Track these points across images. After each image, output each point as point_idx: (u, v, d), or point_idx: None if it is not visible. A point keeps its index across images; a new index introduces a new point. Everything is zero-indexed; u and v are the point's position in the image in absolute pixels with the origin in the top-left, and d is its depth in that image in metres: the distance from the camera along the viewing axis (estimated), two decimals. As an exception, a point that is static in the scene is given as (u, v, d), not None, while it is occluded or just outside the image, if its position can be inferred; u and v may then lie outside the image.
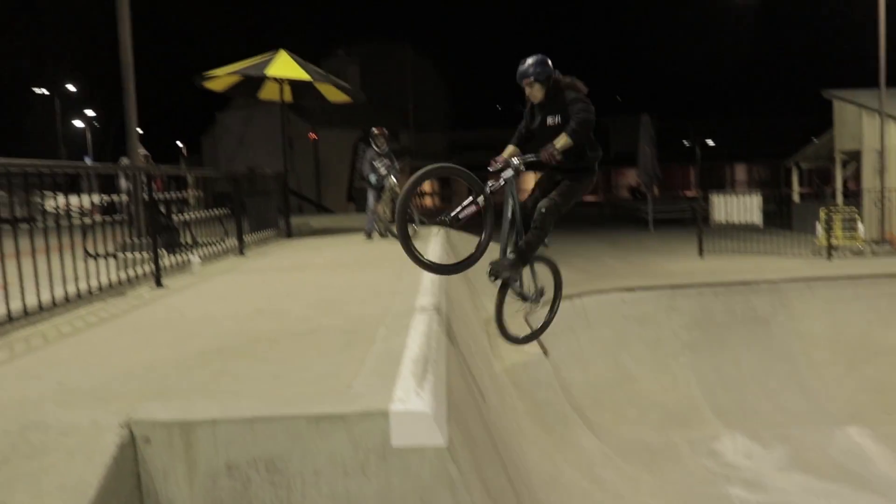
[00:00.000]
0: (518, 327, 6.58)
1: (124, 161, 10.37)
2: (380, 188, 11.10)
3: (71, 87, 45.16)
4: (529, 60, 5.47)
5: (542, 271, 6.02)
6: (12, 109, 46.93)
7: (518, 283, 5.79)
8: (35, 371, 3.89)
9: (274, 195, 12.38)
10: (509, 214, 5.58)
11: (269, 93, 13.29)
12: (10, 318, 4.88)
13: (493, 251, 5.54)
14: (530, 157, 5.51)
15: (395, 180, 10.95)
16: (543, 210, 5.53)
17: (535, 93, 5.53)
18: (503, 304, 5.80)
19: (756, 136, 57.25)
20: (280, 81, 12.42)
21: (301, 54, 12.55)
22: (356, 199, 26.44)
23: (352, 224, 16.74)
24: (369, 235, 11.34)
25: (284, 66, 11.70)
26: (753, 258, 15.58)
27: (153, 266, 6.93)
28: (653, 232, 23.69)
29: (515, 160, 5.48)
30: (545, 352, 9.38)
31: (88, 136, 53.10)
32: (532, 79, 5.45)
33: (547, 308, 6.32)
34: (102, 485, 2.67)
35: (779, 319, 11.93)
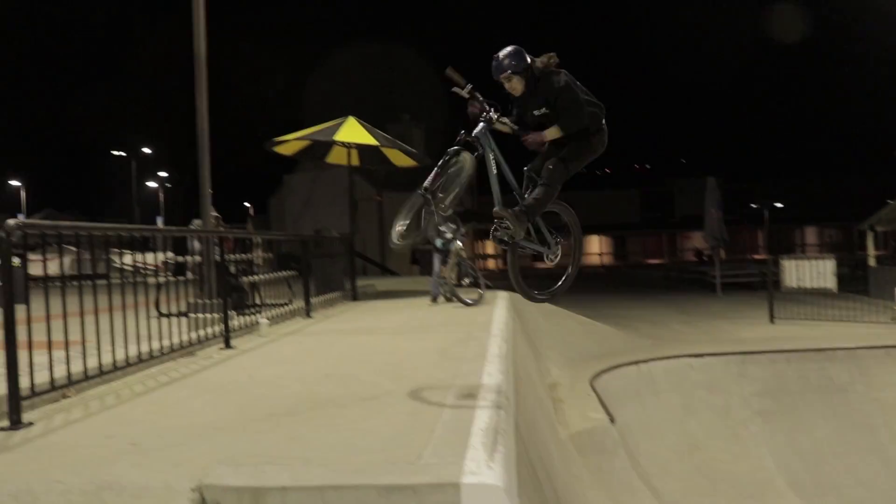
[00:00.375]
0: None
1: (196, 223, 10.64)
2: (446, 252, 11.12)
3: (146, 150, 46.87)
4: (504, 52, 5.08)
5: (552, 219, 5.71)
6: (93, 171, 48.84)
7: (528, 240, 5.47)
8: (109, 430, 3.94)
9: (340, 257, 12.53)
10: (494, 169, 5.16)
11: (336, 157, 13.57)
12: (86, 377, 4.97)
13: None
14: (513, 128, 5.20)
15: (460, 244, 10.97)
16: (551, 166, 5.16)
17: (515, 86, 5.12)
18: (516, 262, 5.44)
19: (827, 198, 56.12)
20: (348, 146, 12.68)
21: (368, 119, 12.82)
22: (420, 262, 26.59)
23: (416, 287, 16.80)
24: (435, 299, 11.33)
25: (353, 132, 11.95)
26: (827, 325, 15.11)
27: (223, 327, 7.03)
28: (720, 296, 23.21)
29: (493, 112, 5.07)
30: (611, 418, 9.18)
31: (161, 196, 54.84)
32: (510, 72, 5.04)
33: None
34: (173, 550, 2.66)
35: (857, 389, 11.48)
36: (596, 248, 57.67)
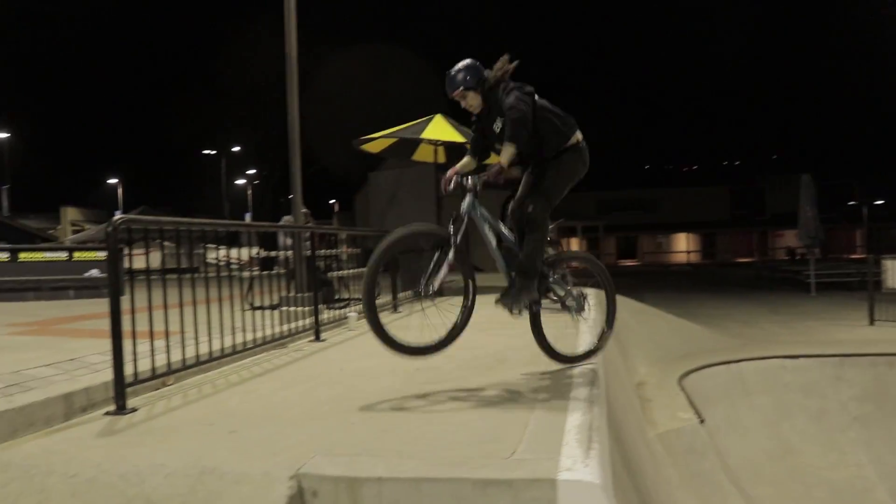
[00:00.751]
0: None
1: (286, 219, 10.86)
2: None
3: (235, 148, 48.08)
4: (456, 67, 4.83)
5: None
6: (186, 168, 50.44)
7: (542, 300, 5.14)
8: (208, 418, 4.07)
9: (426, 253, 12.57)
10: (492, 239, 5.01)
11: (422, 154, 13.64)
12: (184, 366, 5.14)
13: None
14: (484, 178, 4.79)
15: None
16: (530, 208, 4.90)
17: (471, 102, 4.86)
18: (540, 327, 5.17)
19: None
20: (435, 144, 12.74)
21: (454, 116, 12.85)
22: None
23: (502, 283, 16.80)
24: None
25: (440, 129, 12.00)
26: (934, 328, 14.44)
27: (313, 320, 7.17)
28: (815, 296, 22.42)
29: (470, 181, 4.82)
30: (701, 419, 8.99)
31: (249, 192, 56.22)
32: (462, 88, 4.78)
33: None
34: (273, 536, 2.73)
35: (966, 395, 10.93)
36: (683, 245, 56.49)
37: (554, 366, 5.28)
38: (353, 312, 8.30)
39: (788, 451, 10.37)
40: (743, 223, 55.59)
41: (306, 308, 7.55)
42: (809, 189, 23.81)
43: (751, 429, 10.44)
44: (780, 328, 15.51)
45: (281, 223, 10.45)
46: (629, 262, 55.08)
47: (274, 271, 9.97)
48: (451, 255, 4.69)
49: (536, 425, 3.52)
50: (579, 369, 5.01)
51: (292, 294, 8.00)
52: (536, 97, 4.91)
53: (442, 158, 13.49)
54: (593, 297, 5.55)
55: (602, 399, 4.27)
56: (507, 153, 4.62)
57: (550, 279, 5.18)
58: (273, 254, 10.46)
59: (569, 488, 2.72)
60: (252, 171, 52.74)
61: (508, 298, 4.96)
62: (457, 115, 13.16)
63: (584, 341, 5.24)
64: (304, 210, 10.45)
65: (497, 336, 7.19)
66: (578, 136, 5.04)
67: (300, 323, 7.25)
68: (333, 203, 64.85)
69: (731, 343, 13.19)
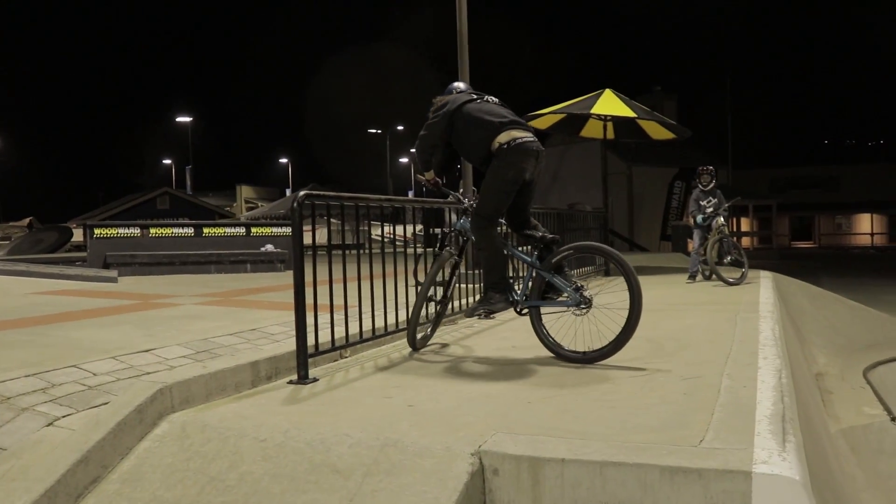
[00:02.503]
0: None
1: (455, 196, 10.94)
2: (707, 228, 10.65)
3: (400, 127, 49.14)
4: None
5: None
6: (350, 148, 52.07)
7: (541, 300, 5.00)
8: (385, 391, 4.15)
9: (593, 232, 12.39)
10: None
11: (590, 130, 13.39)
12: (361, 338, 5.28)
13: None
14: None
15: (722, 220, 10.45)
16: (469, 224, 5.36)
17: None
18: (541, 326, 4.99)
19: None
20: (604, 119, 12.47)
21: (620, 91, 12.53)
22: (672, 238, 25.75)
23: (669, 264, 16.29)
24: (693, 277, 10.89)
25: (610, 104, 11.74)
26: None
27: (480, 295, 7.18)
28: None
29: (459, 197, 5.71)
30: (892, 416, 8.35)
31: (411, 171, 57.36)
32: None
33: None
34: (455, 510, 2.73)
35: None
36: (866, 227, 52.76)
37: (735, 348, 5.04)
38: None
39: None
40: (939, 202, 51.18)
41: (476, 285, 7.57)
42: None
43: (947, 428, 9.62)
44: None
45: (449, 200, 10.54)
46: (804, 244, 52.08)
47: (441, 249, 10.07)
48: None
49: (724, 413, 3.35)
50: (763, 355, 4.73)
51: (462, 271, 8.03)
52: (469, 105, 5.17)
53: (611, 134, 13.20)
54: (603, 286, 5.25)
55: (791, 389, 4.01)
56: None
57: (547, 279, 5.00)
58: (437, 231, 10.57)
59: (766, 482, 2.54)
60: (413, 150, 53.87)
61: (468, 308, 5.36)
62: (625, 91, 12.83)
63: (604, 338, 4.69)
64: (472, 188, 10.50)
65: (674, 319, 6.96)
66: (502, 138, 4.94)
67: (470, 300, 7.28)
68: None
69: (924, 333, 12.19)
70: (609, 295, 4.82)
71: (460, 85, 5.70)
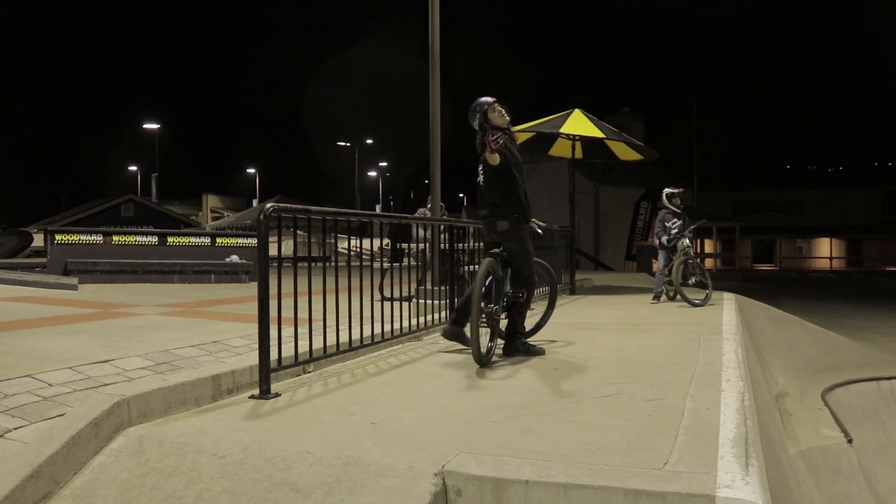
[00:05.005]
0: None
1: (421, 211, 10.94)
2: (671, 249, 10.73)
3: (369, 141, 49.10)
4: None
5: None
6: (319, 159, 51.97)
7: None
8: (348, 408, 4.10)
9: (559, 251, 12.43)
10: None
11: (559, 150, 13.48)
12: (324, 353, 5.22)
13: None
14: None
15: (687, 242, 10.54)
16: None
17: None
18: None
19: None
20: (572, 139, 12.55)
21: (588, 111, 12.63)
22: (637, 258, 25.95)
23: (633, 283, 16.40)
24: (657, 298, 10.96)
25: (578, 124, 11.82)
26: None
27: (447, 313, 7.16)
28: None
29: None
30: (848, 438, 8.45)
31: (380, 184, 57.34)
32: None
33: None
34: (417, 532, 2.69)
35: None
36: (826, 251, 53.64)
37: (699, 370, 5.07)
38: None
39: (946, 480, 9.63)
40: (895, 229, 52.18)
41: (440, 301, 7.56)
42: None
43: (903, 452, 9.75)
44: (938, 343, 14.45)
45: (417, 215, 10.53)
46: (766, 267, 52.79)
47: (406, 264, 10.05)
48: None
49: (688, 435, 3.35)
50: (726, 377, 4.76)
51: (427, 287, 8.02)
52: None
53: (579, 154, 13.29)
54: None
55: (754, 411, 4.03)
56: None
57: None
58: (404, 246, 10.55)
59: (728, 507, 2.55)
60: (383, 164, 53.73)
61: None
62: (593, 112, 12.94)
63: None
64: (440, 203, 10.49)
65: (639, 339, 6.98)
66: None
67: (435, 316, 7.26)
68: (463, 196, 65.25)
69: (883, 358, 12.37)
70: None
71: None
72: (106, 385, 4.42)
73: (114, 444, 3.46)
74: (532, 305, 6.20)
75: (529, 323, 6.33)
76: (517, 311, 5.88)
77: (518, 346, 5.87)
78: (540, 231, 6.18)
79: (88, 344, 5.83)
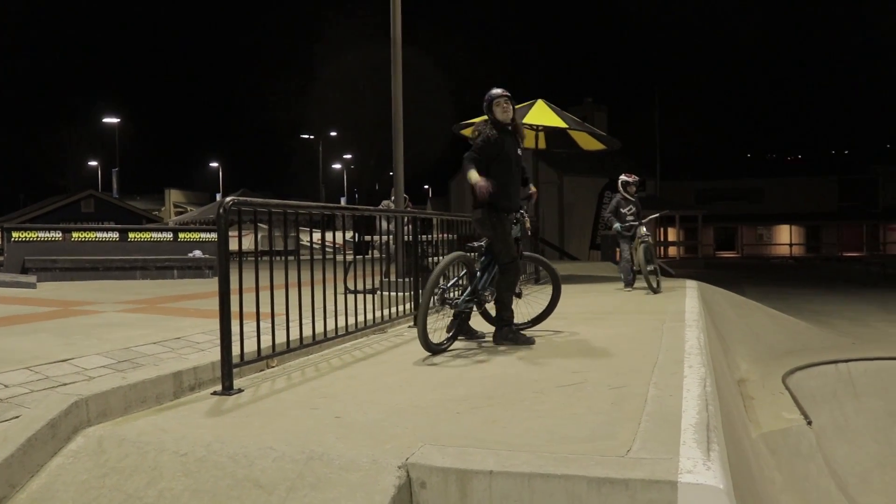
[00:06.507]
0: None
1: (385, 203, 10.90)
2: (631, 238, 10.81)
3: (332, 133, 48.76)
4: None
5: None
6: (283, 153, 51.56)
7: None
8: (312, 402, 4.07)
9: (524, 241, 12.43)
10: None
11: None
12: (288, 348, 5.18)
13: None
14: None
15: (644, 229, 10.64)
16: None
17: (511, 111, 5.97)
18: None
19: None
20: (536, 129, 12.57)
21: (551, 101, 12.66)
22: (602, 248, 26.12)
23: (598, 272, 16.50)
24: (630, 285, 11.04)
25: (541, 115, 11.85)
26: None
27: (412, 305, 7.15)
28: (932, 294, 21.27)
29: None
30: (808, 420, 8.59)
31: (345, 176, 57.01)
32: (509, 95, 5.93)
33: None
34: (381, 525, 2.68)
35: None
36: (785, 238, 54.50)
37: (661, 357, 5.11)
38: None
39: (902, 459, 9.83)
40: (852, 216, 53.08)
41: (405, 293, 7.54)
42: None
43: (860, 433, 9.93)
44: (893, 328, 14.76)
45: (381, 207, 10.49)
46: (728, 254, 53.49)
47: (370, 256, 10.03)
48: None
49: (650, 422, 3.37)
50: (688, 364, 4.80)
51: (392, 279, 8.00)
52: None
53: (543, 144, 13.32)
54: None
55: (715, 396, 4.08)
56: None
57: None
58: (369, 238, 10.52)
59: (691, 492, 2.57)
60: (348, 156, 53.45)
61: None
62: (557, 102, 12.97)
63: None
64: (403, 195, 10.46)
65: (604, 328, 7.02)
66: None
67: (399, 308, 7.24)
68: (427, 188, 65.17)
69: (840, 341, 12.61)
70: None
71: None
72: (65, 385, 4.35)
73: (72, 444, 3.40)
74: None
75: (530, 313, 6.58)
76: (500, 300, 5.92)
77: (505, 333, 5.91)
78: (528, 226, 6.29)
79: (47, 343, 5.73)
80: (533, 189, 6.64)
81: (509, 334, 5.91)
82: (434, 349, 5.46)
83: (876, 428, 10.06)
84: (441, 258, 6.24)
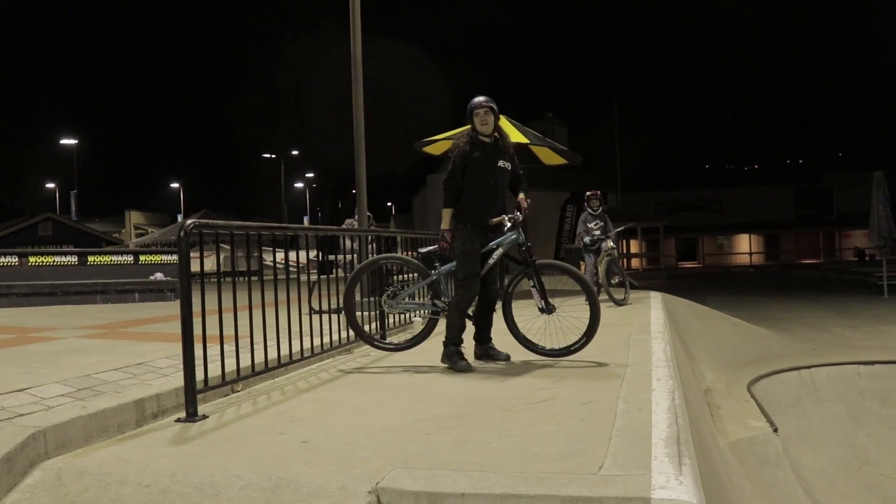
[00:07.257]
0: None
1: (349, 222, 10.85)
2: (597, 251, 10.91)
3: (294, 152, 48.61)
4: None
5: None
6: (245, 172, 51.25)
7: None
8: (279, 427, 4.00)
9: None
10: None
11: (484, 155, 13.50)
12: (253, 371, 5.10)
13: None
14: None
15: (612, 243, 10.72)
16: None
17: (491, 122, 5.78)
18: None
19: None
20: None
21: (512, 117, 12.70)
22: (565, 261, 26.25)
23: (562, 286, 16.55)
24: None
25: (503, 130, 11.87)
26: None
27: (378, 324, 7.09)
28: (888, 299, 21.65)
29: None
30: (774, 427, 8.68)
31: (307, 195, 56.79)
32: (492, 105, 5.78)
33: None
34: (352, 553, 2.63)
35: None
36: (745, 247, 55.32)
37: (629, 371, 5.12)
38: (417, 317, 8.21)
39: (865, 463, 9.96)
40: (809, 223, 54.11)
41: (370, 312, 7.49)
42: (882, 187, 23.03)
43: (824, 438, 10.06)
44: (852, 332, 14.99)
45: (344, 226, 10.44)
46: (690, 264, 54.14)
47: (331, 275, 9.97)
48: None
49: (621, 438, 3.37)
50: (656, 377, 4.82)
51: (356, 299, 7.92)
52: None
53: (504, 160, 13.35)
54: None
55: (684, 409, 4.09)
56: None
57: None
58: (332, 257, 10.45)
59: (664, 508, 2.56)
60: (310, 175, 53.27)
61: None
62: (517, 118, 13.03)
63: None
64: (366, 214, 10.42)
65: (563, 341, 7.02)
66: None
67: (366, 327, 7.17)
68: (391, 205, 65.13)
69: (801, 348, 12.78)
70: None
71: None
72: (21, 416, 4.22)
73: (29, 479, 3.29)
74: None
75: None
76: (448, 316, 5.72)
77: (447, 353, 5.66)
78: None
79: (2, 372, 5.57)
80: (521, 196, 6.19)
81: (449, 355, 5.64)
82: (376, 344, 6.10)
83: (839, 432, 10.19)
84: (409, 277, 6.23)
